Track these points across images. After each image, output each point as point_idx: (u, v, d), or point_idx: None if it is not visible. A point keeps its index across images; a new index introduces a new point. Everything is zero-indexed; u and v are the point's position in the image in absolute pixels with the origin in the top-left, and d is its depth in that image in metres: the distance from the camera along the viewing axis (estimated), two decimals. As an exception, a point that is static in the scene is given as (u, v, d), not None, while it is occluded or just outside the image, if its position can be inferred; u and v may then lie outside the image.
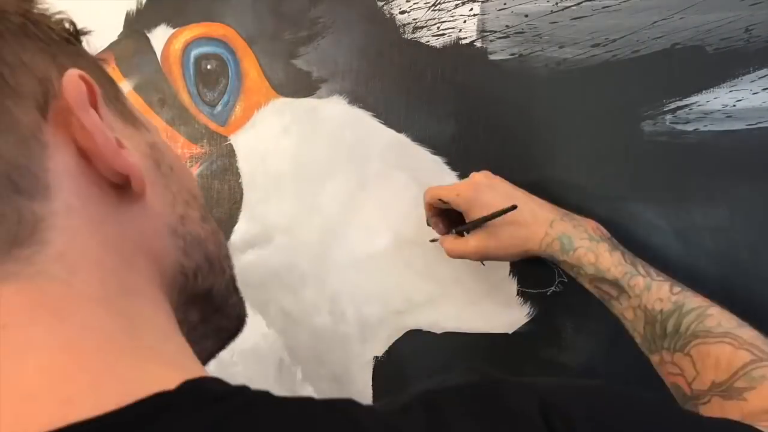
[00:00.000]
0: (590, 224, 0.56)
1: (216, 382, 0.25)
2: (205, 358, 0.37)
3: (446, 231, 0.64)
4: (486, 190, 0.58)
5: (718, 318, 0.47)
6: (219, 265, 0.36)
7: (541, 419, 0.27)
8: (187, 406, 0.23)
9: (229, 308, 0.39)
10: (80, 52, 0.34)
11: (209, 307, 0.36)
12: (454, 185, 0.61)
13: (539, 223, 0.56)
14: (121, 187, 0.30)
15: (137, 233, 0.30)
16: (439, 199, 0.61)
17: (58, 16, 0.33)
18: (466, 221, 0.60)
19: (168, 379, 0.24)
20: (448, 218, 0.64)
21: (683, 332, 0.48)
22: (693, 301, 0.49)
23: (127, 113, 0.34)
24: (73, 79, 0.29)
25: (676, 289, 0.50)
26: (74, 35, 0.34)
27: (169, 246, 0.32)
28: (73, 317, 0.25)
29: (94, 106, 0.30)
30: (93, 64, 0.35)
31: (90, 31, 0.36)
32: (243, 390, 0.25)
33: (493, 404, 0.27)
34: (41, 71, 0.29)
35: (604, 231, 0.56)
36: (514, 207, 0.55)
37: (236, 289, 0.40)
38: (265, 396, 0.26)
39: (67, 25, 0.34)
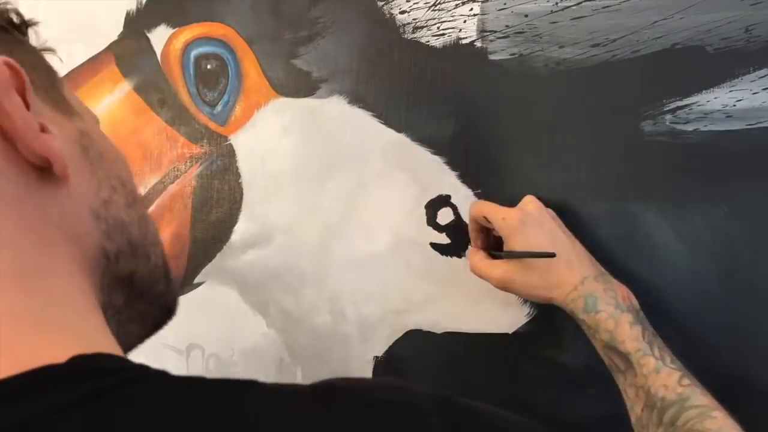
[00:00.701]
0: (622, 291, 0.54)
1: (114, 359, 0.26)
2: (131, 342, 0.37)
3: (482, 247, 0.62)
4: (533, 224, 0.57)
5: (721, 423, 0.46)
6: (143, 250, 0.36)
7: (439, 420, 0.26)
8: (71, 378, 0.24)
9: (153, 295, 0.38)
10: (17, 41, 0.36)
11: (133, 292, 0.36)
12: (503, 209, 0.58)
13: (572, 277, 0.55)
14: (42, 170, 0.30)
15: (58, 215, 0.31)
16: (484, 217, 0.60)
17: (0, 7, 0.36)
18: (504, 246, 0.58)
19: (66, 354, 0.25)
20: (487, 235, 0.62)
21: (680, 426, 0.47)
22: (699, 398, 0.48)
23: (60, 101, 0.35)
24: None
25: (686, 381, 0.49)
26: (16, 26, 0.36)
27: (91, 229, 0.33)
28: None
29: (21, 92, 0.30)
30: (31, 54, 0.36)
31: (36, 23, 0.38)
32: (137, 367, 0.26)
33: (387, 398, 0.27)
34: None
35: (634, 301, 0.54)
36: (552, 255, 0.53)
37: (167, 279, 0.40)
38: (157, 373, 0.26)
39: (10, 15, 0.36)
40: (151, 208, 0.87)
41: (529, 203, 0.59)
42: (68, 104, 0.36)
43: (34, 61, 0.35)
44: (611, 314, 0.53)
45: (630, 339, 0.51)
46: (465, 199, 0.67)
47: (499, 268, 0.58)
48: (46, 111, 0.33)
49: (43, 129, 0.30)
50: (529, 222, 0.57)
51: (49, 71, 0.37)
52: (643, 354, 0.50)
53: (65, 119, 0.34)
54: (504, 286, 0.58)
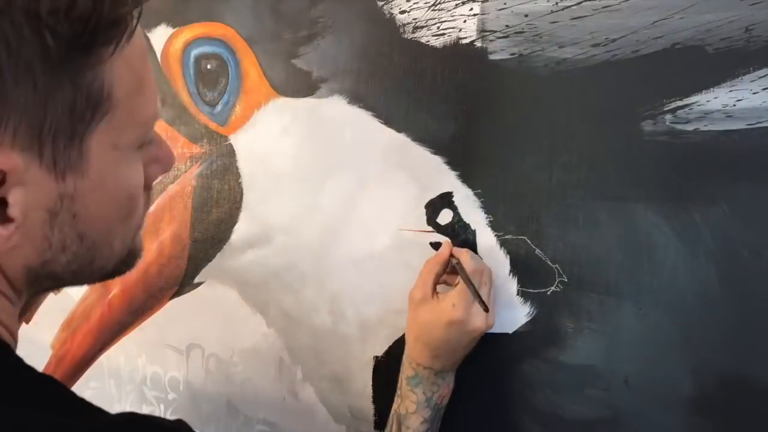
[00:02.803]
0: (443, 392, 0.64)
1: None
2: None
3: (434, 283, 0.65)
4: (458, 324, 0.61)
5: None
6: (66, 279, 0.41)
7: None
8: None
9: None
10: (65, 70, 0.35)
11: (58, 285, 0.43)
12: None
13: (432, 359, 0.62)
14: None
15: None
16: (458, 263, 0.63)
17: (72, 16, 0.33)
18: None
19: None
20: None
21: None
22: None
23: (62, 157, 0.36)
24: None
25: None
26: (86, 37, 0.35)
27: (15, 273, 0.38)
28: None
29: (2, 182, 0.34)
30: (57, 97, 0.35)
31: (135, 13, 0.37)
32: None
33: None
34: None
35: (445, 401, 0.64)
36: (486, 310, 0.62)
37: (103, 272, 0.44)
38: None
39: (77, 27, 0.34)
40: (151, 208, 0.87)
41: (481, 321, 0.61)
42: (72, 161, 0.36)
43: (54, 109, 0.35)
44: (418, 402, 0.63)
45: (413, 431, 0.63)
46: (465, 199, 0.67)
47: (428, 313, 0.62)
48: (31, 169, 0.35)
49: None
50: (460, 327, 0.61)
51: (73, 115, 0.36)
52: None
53: (50, 182, 0.36)
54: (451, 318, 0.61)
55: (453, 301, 0.60)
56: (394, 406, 0.65)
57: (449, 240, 0.66)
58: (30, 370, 0.37)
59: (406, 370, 0.64)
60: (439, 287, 0.64)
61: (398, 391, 0.65)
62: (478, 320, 0.60)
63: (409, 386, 0.63)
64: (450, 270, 0.64)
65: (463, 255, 0.63)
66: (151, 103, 0.40)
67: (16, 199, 0.35)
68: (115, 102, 0.37)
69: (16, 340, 0.40)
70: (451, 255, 0.64)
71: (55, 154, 0.35)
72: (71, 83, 0.35)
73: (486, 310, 0.61)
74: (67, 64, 0.34)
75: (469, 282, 0.61)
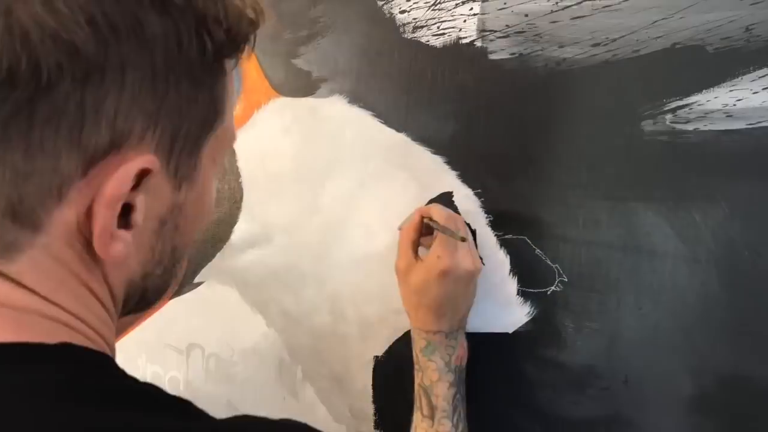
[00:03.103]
0: (460, 352, 0.63)
1: (87, 352, 0.34)
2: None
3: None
4: (455, 278, 0.61)
5: None
6: (150, 297, 0.41)
7: None
8: (53, 355, 0.32)
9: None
10: (203, 83, 0.36)
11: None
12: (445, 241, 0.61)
13: (435, 322, 0.61)
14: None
15: (94, 279, 0.36)
16: (431, 219, 0.62)
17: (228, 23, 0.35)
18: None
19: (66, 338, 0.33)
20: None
21: None
22: None
23: (181, 169, 0.36)
24: (121, 176, 0.32)
25: None
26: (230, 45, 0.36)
27: (119, 288, 0.38)
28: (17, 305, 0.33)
29: (136, 185, 0.33)
30: (192, 110, 0.35)
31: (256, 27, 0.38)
32: (102, 360, 0.35)
33: None
34: (122, 124, 0.32)
35: (464, 362, 0.63)
36: (463, 239, 0.60)
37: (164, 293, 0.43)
38: (104, 374, 0.34)
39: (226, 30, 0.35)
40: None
41: (469, 263, 0.60)
42: (188, 171, 0.37)
43: (191, 117, 0.35)
44: (440, 369, 0.61)
45: (442, 398, 0.61)
46: (465, 199, 0.67)
47: (417, 275, 0.61)
48: (162, 185, 0.35)
49: (113, 237, 0.33)
50: (451, 275, 0.59)
51: (203, 124, 0.36)
52: (445, 416, 0.61)
53: (168, 191, 0.36)
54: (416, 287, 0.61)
55: (437, 253, 0.60)
56: (417, 381, 0.64)
57: (418, 207, 0.65)
58: (135, 380, 0.36)
59: (418, 343, 0.63)
60: (420, 252, 0.64)
61: (416, 366, 0.64)
62: (466, 262, 0.60)
63: (425, 356, 0.62)
64: (425, 232, 0.64)
65: (433, 210, 0.62)
66: (233, 121, 0.41)
67: (141, 204, 0.34)
68: (224, 116, 0.38)
69: (114, 357, 0.39)
70: (422, 217, 0.63)
71: (179, 162, 0.36)
72: (210, 92, 0.36)
73: (469, 236, 0.61)
74: (211, 71, 0.35)
75: (446, 230, 0.60)
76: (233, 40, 0.36)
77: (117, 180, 0.32)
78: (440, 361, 0.62)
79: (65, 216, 0.32)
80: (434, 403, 0.61)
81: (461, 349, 0.63)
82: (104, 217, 0.32)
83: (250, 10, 0.36)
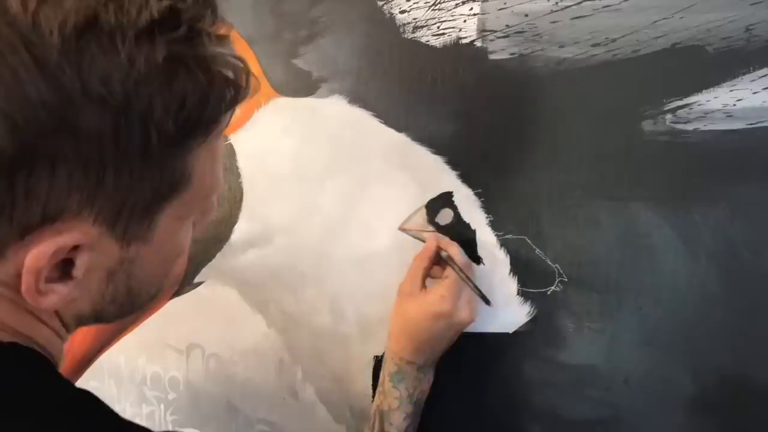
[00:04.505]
0: (424, 386, 0.64)
1: (31, 352, 0.39)
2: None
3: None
4: (445, 321, 0.62)
5: None
6: (109, 320, 0.44)
7: None
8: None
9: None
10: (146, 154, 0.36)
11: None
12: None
13: (414, 353, 0.63)
14: None
15: (43, 311, 0.40)
16: (449, 256, 0.63)
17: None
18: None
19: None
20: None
21: None
22: None
23: (130, 230, 0.37)
24: (42, 251, 0.34)
25: None
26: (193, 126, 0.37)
27: (69, 318, 0.42)
28: None
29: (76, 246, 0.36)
30: (143, 176, 0.36)
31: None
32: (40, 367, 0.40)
33: None
34: (54, 205, 0.34)
35: (424, 396, 0.64)
36: (488, 302, 0.63)
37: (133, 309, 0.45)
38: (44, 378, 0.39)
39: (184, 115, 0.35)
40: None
41: (467, 314, 0.61)
42: (140, 233, 0.38)
43: (138, 193, 0.36)
44: (401, 399, 0.63)
45: (395, 427, 0.63)
46: (465, 199, 0.67)
47: (416, 306, 0.63)
48: (101, 240, 0.37)
49: (39, 292, 0.36)
50: (447, 320, 0.61)
51: (155, 197, 0.37)
52: None
53: (115, 249, 0.38)
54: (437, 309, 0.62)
55: (441, 292, 0.61)
56: (376, 402, 0.65)
57: (435, 232, 0.66)
58: (69, 385, 0.40)
59: (388, 366, 0.64)
60: (427, 281, 0.64)
61: (380, 388, 0.65)
62: (464, 313, 0.61)
63: (392, 382, 0.64)
64: (435, 262, 0.64)
65: (453, 248, 0.63)
66: (218, 178, 0.42)
67: (82, 261, 0.36)
68: (192, 183, 0.38)
69: (58, 366, 0.44)
70: (439, 248, 0.64)
71: (127, 227, 0.37)
72: (160, 171, 0.36)
73: (488, 302, 0.61)
74: (160, 156, 0.35)
75: (463, 275, 0.61)
76: (193, 127, 0.36)
77: (37, 254, 0.34)
78: (404, 392, 0.63)
79: (7, 269, 0.36)
80: (385, 429, 0.63)
81: (426, 384, 0.65)
82: (26, 281, 0.35)
83: (231, 88, 0.36)
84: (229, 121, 0.39)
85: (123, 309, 0.42)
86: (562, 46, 0.60)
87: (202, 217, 0.44)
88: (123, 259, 0.38)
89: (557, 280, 0.62)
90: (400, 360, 0.63)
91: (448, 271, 0.62)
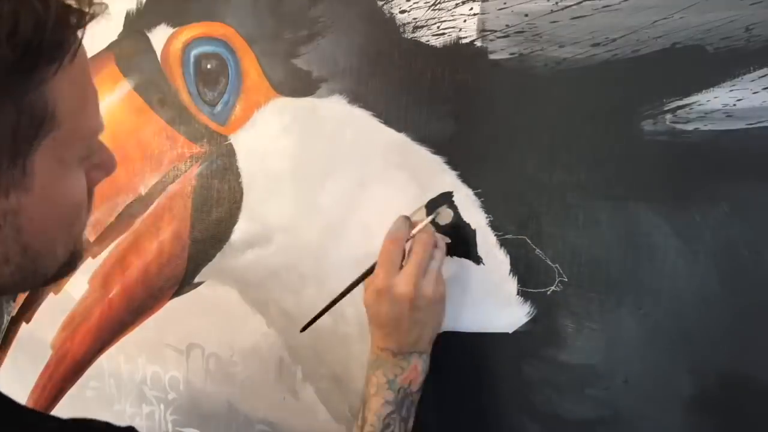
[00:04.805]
0: (410, 374, 0.62)
1: None
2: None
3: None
4: (424, 307, 0.62)
5: None
6: (8, 291, 0.42)
7: None
8: None
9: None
10: (16, 82, 0.35)
11: None
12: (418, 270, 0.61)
13: (388, 339, 0.62)
14: None
15: None
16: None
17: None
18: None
19: None
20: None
21: None
22: None
23: (3, 177, 0.36)
24: None
25: None
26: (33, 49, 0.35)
27: None
28: None
29: None
30: (13, 109, 0.35)
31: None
32: None
33: None
34: None
35: (414, 387, 0.63)
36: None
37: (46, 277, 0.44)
38: None
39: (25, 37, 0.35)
40: (151, 208, 0.87)
41: (435, 290, 0.61)
42: (15, 179, 0.37)
43: (11, 119, 0.35)
44: (378, 384, 0.62)
45: (374, 413, 0.62)
46: (465, 199, 0.67)
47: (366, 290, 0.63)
48: None
49: None
50: (385, 294, 0.61)
51: (15, 136, 0.36)
52: (372, 431, 0.61)
53: None
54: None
55: (378, 271, 0.62)
56: (363, 391, 0.66)
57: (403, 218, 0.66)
58: None
59: (369, 356, 0.65)
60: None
61: (366, 377, 0.66)
62: (401, 284, 0.60)
63: (371, 370, 0.64)
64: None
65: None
66: (94, 117, 0.41)
67: None
68: (60, 119, 0.37)
69: None
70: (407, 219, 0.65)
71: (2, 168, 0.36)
72: (14, 104, 0.35)
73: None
74: (9, 86, 0.34)
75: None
76: (35, 51, 0.34)
77: None
78: (381, 378, 0.62)
79: None
80: (365, 416, 0.62)
81: (413, 372, 0.63)
82: None
83: (72, 10, 0.36)
84: (78, 47, 0.37)
85: (25, 272, 0.40)
86: (562, 46, 0.60)
87: (92, 162, 0.43)
88: (4, 211, 0.37)
89: (557, 280, 0.62)
90: (377, 348, 0.64)
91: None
